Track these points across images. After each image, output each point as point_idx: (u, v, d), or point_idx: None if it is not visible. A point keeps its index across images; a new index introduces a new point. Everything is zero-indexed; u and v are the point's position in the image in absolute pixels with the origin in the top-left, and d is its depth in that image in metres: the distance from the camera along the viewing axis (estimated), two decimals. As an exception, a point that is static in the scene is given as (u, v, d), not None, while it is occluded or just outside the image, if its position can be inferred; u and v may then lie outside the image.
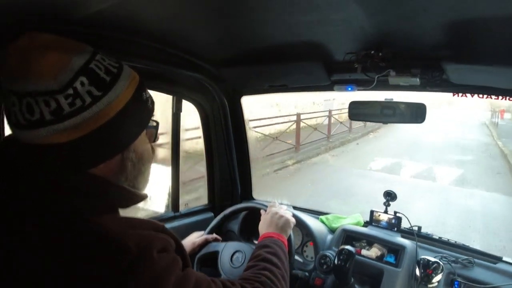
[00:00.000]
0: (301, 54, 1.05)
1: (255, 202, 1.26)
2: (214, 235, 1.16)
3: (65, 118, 0.47)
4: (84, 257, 0.46)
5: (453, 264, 1.14)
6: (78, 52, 0.50)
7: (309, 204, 1.72)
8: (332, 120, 10.27)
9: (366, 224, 1.38)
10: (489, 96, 1.09)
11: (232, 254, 1.07)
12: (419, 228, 1.31)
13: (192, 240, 1.13)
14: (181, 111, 1.40)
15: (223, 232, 1.28)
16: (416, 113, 1.09)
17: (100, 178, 0.52)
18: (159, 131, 0.66)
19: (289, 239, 1.00)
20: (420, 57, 0.97)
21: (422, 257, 1.15)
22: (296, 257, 1.29)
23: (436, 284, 1.10)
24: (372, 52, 0.93)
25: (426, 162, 7.42)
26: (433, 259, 1.13)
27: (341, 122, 10.64)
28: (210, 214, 1.53)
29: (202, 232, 1.18)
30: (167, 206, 1.46)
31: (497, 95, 1.09)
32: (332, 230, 1.39)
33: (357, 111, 1.20)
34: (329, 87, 1.25)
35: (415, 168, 7.01)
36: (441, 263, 1.11)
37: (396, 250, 1.21)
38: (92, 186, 0.51)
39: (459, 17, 0.69)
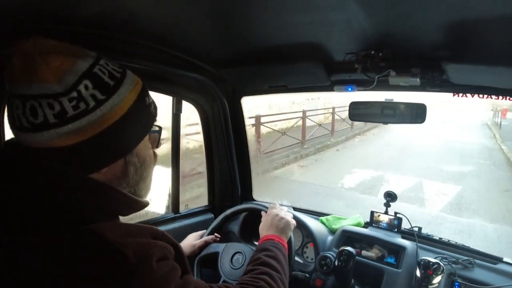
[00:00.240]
0: (301, 54, 1.04)
1: (255, 203, 1.26)
2: (214, 236, 1.16)
3: (69, 121, 0.47)
4: (84, 257, 0.46)
5: (453, 265, 1.14)
6: (82, 56, 0.50)
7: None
8: (313, 122, 8.73)
9: (366, 225, 1.38)
10: (489, 96, 1.09)
11: (232, 255, 1.07)
12: (420, 228, 1.31)
13: (191, 242, 1.13)
14: (181, 112, 1.40)
15: (223, 233, 1.28)
16: (416, 113, 1.09)
17: (102, 184, 0.51)
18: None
19: (289, 242, 0.99)
20: (420, 57, 0.97)
21: (423, 258, 1.14)
22: (297, 258, 1.29)
23: (437, 285, 1.10)
24: (372, 52, 0.94)
25: (415, 175, 6.04)
26: (433, 260, 1.13)
27: (319, 125, 9.04)
28: (210, 215, 1.53)
29: (199, 234, 1.18)
30: (167, 207, 1.46)
31: (497, 95, 1.09)
32: (332, 231, 1.39)
33: (358, 111, 1.21)
34: (329, 88, 1.25)
35: (400, 184, 5.55)
36: (441, 264, 1.11)
37: (396, 251, 1.21)
38: (92, 191, 0.50)
39: (459, 17, 0.69)
